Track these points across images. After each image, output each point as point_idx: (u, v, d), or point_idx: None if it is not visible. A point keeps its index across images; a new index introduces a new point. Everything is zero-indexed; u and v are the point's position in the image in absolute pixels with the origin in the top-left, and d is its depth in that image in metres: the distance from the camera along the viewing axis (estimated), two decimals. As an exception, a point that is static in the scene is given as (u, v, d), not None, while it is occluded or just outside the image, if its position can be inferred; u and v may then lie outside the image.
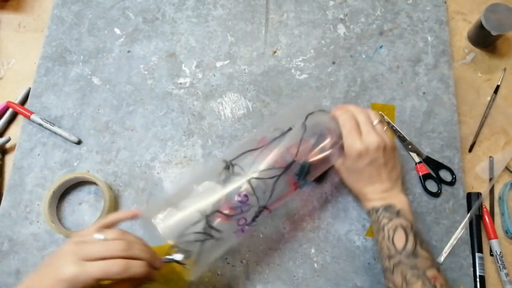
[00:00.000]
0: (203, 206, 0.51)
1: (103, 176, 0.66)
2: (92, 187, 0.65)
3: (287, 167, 0.55)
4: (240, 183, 0.53)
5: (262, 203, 0.54)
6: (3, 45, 0.76)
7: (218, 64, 0.73)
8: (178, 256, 0.49)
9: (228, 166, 0.55)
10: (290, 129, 0.58)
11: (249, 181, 0.53)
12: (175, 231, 0.49)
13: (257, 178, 0.54)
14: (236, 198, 0.52)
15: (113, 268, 0.40)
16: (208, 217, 0.51)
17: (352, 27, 0.75)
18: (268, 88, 0.71)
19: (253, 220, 0.54)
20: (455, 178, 0.65)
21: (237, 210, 0.52)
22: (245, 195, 0.53)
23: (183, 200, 0.52)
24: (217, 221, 0.51)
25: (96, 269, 0.40)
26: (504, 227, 0.64)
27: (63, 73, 0.72)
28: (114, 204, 0.63)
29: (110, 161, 0.67)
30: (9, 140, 0.68)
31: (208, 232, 0.51)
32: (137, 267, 0.42)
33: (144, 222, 0.50)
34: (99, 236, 0.42)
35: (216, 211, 0.51)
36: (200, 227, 0.50)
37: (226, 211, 0.52)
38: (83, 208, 0.64)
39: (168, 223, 0.49)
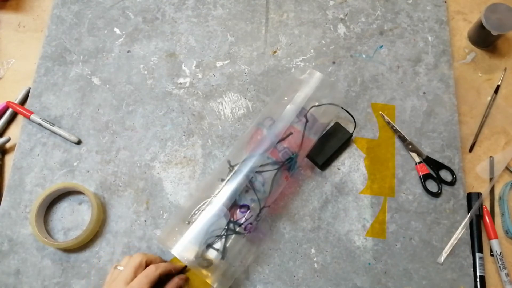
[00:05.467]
0: (214, 219, 0.54)
1: (103, 176, 0.66)
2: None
3: (284, 163, 0.58)
4: (241, 182, 0.55)
5: (262, 204, 0.56)
6: (3, 45, 0.76)
7: (218, 64, 0.73)
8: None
9: (230, 167, 0.57)
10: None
11: (250, 181, 0.55)
12: (194, 254, 0.53)
13: (257, 172, 0.56)
14: (239, 211, 0.55)
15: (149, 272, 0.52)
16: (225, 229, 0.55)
17: (352, 27, 0.75)
18: (268, 88, 0.71)
19: (257, 221, 0.57)
20: (455, 178, 0.65)
21: (243, 220, 0.55)
22: (246, 205, 0.55)
23: (194, 218, 0.55)
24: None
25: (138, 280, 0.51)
26: (505, 227, 0.64)
27: (63, 73, 0.72)
28: (103, 212, 0.63)
29: (110, 161, 0.67)
30: (9, 140, 0.68)
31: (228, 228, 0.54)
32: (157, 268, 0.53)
33: (163, 245, 0.55)
34: (120, 267, 0.55)
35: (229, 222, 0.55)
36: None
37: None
38: (83, 208, 0.64)
39: (186, 253, 0.52)
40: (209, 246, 0.53)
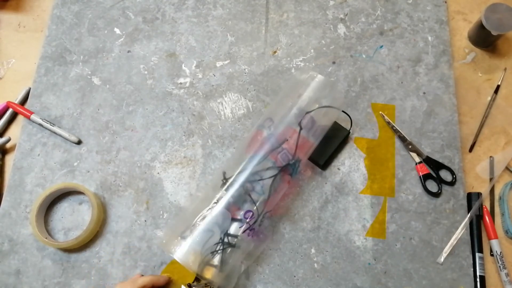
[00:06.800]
0: (216, 220, 0.55)
1: (103, 176, 0.66)
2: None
3: (282, 169, 0.58)
4: (238, 189, 0.56)
5: (263, 208, 0.57)
6: (3, 45, 0.76)
7: (218, 64, 0.73)
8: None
9: (225, 178, 0.58)
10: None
11: (246, 189, 0.56)
12: (195, 258, 0.53)
13: (253, 181, 0.56)
14: (243, 215, 0.55)
15: None
16: (224, 230, 0.55)
17: (352, 27, 0.75)
18: (268, 88, 0.71)
19: (259, 224, 0.57)
20: (455, 178, 0.65)
21: (246, 225, 0.55)
22: (250, 211, 0.56)
23: (197, 220, 0.55)
24: (231, 230, 0.55)
25: None
26: (504, 227, 0.64)
27: (63, 73, 0.72)
28: (103, 212, 0.63)
29: (110, 161, 0.67)
30: (9, 140, 0.68)
31: (226, 241, 0.54)
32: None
33: (166, 250, 0.55)
34: None
35: (230, 219, 0.55)
36: (217, 239, 0.54)
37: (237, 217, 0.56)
38: (83, 208, 0.64)
39: (187, 256, 0.53)
40: (213, 252, 0.53)
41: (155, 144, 0.68)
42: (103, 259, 0.62)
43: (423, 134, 0.68)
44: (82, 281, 0.61)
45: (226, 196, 0.55)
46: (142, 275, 0.60)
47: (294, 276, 0.61)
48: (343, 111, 0.66)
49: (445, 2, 0.76)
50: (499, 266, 0.61)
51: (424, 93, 0.70)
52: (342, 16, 0.76)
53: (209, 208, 0.55)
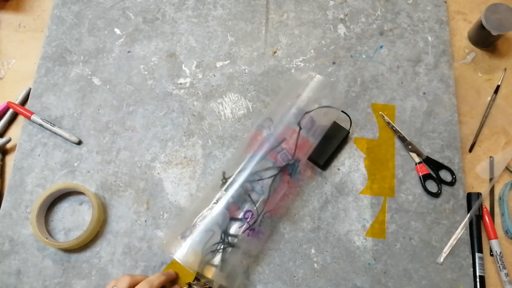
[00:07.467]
0: (215, 220, 0.55)
1: (103, 176, 0.66)
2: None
3: (282, 169, 0.58)
4: (238, 189, 0.56)
5: (263, 208, 0.57)
6: (3, 45, 0.76)
7: (218, 64, 0.73)
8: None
9: (225, 178, 0.58)
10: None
11: (246, 189, 0.56)
12: (195, 258, 0.53)
13: (253, 181, 0.56)
14: (242, 215, 0.56)
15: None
16: (223, 229, 0.55)
17: (352, 27, 0.75)
18: (268, 88, 0.71)
19: (259, 224, 0.57)
20: (455, 178, 0.65)
21: (246, 225, 0.56)
22: (250, 211, 0.56)
23: (197, 220, 0.55)
24: (231, 230, 0.55)
25: None
26: (504, 227, 0.64)
27: (63, 73, 0.72)
28: (103, 212, 0.63)
29: (110, 162, 0.67)
30: (9, 140, 0.68)
31: (226, 241, 0.55)
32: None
33: (166, 251, 0.55)
34: None
35: (230, 219, 0.55)
36: (217, 238, 0.54)
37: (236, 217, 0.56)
38: (84, 209, 0.64)
39: (187, 256, 0.53)
40: (213, 252, 0.54)
41: (155, 145, 0.68)
42: (103, 259, 0.62)
43: (423, 134, 0.68)
44: (82, 281, 0.61)
45: (226, 196, 0.55)
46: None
47: (294, 276, 0.61)
48: (342, 111, 0.66)
49: (445, 2, 0.76)
50: (499, 266, 0.62)
51: (424, 93, 0.70)
52: (342, 16, 0.76)
53: (209, 208, 0.55)
